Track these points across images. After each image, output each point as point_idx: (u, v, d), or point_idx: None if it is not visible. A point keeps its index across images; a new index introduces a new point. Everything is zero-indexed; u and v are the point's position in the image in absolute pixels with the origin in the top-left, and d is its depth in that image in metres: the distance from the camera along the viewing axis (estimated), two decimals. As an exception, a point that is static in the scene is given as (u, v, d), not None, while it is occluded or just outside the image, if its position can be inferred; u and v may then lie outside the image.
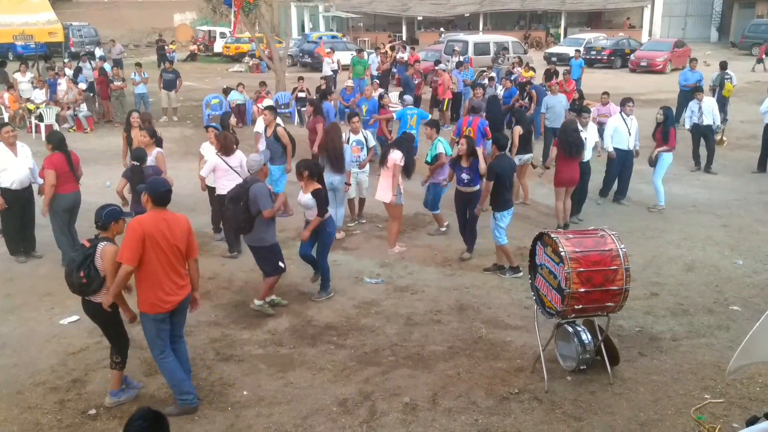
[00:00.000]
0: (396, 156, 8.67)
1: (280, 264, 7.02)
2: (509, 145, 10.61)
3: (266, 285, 7.01)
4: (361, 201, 10.19)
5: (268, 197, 6.82)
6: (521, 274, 7.97)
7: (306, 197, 7.22)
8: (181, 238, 5.20)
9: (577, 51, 22.49)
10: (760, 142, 12.91)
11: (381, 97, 13.29)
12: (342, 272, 8.25)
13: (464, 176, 8.40)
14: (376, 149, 10.68)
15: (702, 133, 12.80)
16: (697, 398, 5.48)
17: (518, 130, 10.69)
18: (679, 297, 7.53)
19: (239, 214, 6.63)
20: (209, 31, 39.57)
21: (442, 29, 42.20)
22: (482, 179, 8.27)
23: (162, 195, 5.19)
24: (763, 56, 27.62)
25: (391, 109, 13.35)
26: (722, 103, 15.54)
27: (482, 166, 8.29)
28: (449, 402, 5.53)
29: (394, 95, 18.14)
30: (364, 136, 9.95)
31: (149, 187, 5.31)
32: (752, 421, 4.09)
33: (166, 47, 31.26)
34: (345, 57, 25.84)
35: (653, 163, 10.64)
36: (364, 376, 5.93)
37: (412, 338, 6.63)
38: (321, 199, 7.22)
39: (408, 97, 13.27)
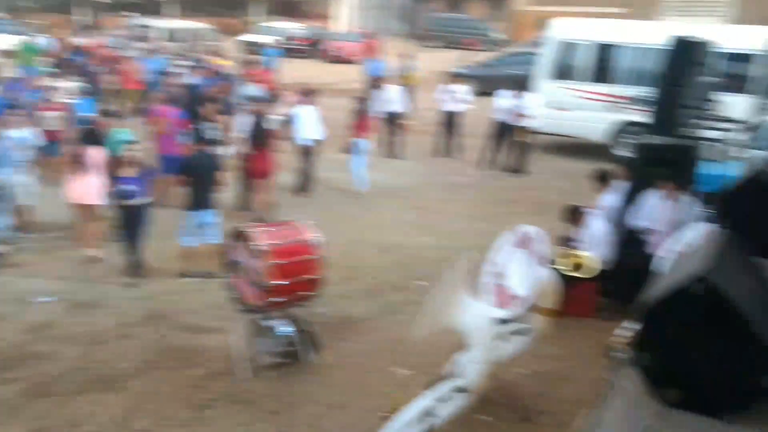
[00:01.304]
0: (95, 151, 8.26)
1: None
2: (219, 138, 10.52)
3: None
4: (27, 208, 9.10)
5: None
6: (196, 279, 7.85)
7: None
8: None
9: (274, 40, 23.07)
10: (440, 128, 14.66)
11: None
12: (5, 294, 7.37)
13: (128, 187, 7.56)
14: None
15: (390, 121, 14.09)
16: (389, 374, 6.02)
17: (223, 119, 10.62)
18: (374, 278, 8.21)
19: None
20: None
21: (126, 13, 39.83)
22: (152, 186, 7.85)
23: None
24: None
25: (63, 101, 12.23)
26: (407, 92, 17.23)
27: None
28: (143, 422, 5.32)
29: (70, 85, 16.73)
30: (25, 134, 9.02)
31: None
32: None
33: None
34: (7, 41, 22.91)
35: (351, 151, 11.35)
36: (36, 411, 5.39)
37: (97, 358, 6.22)
38: None
39: (81, 86, 12.35)
